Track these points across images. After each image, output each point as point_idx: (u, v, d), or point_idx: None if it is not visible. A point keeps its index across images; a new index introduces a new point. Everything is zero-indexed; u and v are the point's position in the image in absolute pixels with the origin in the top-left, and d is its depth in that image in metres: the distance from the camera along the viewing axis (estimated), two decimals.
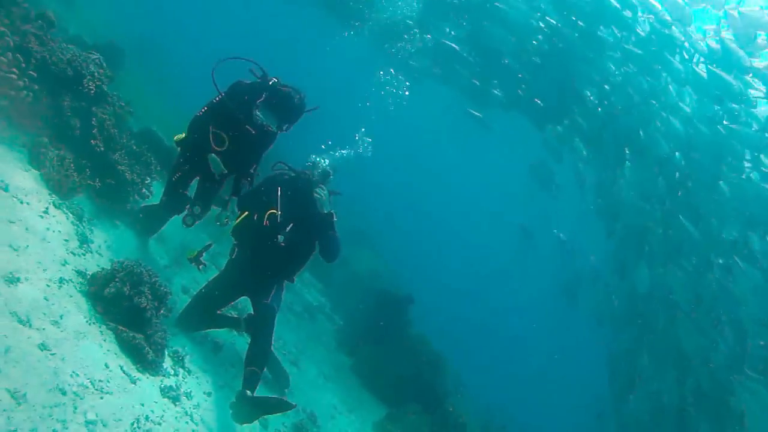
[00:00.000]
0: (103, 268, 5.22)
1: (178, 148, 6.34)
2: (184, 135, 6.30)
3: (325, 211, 6.13)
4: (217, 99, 6.10)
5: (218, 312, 6.38)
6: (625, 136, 14.03)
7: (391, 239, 23.31)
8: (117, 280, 5.01)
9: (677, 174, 13.14)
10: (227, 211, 6.37)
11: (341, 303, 13.19)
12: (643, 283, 13.56)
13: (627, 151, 14.31)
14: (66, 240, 5.38)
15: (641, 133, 13.51)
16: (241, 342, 6.82)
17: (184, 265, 6.75)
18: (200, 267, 6.29)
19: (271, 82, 6.12)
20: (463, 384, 12.84)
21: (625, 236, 14.66)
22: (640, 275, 13.62)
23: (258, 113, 6.09)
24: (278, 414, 5.75)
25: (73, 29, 10.48)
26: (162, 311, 5.26)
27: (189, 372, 5.55)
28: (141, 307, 4.99)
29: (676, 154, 13.15)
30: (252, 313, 6.65)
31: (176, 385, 5.14)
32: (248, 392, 5.39)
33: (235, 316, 6.75)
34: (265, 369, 5.92)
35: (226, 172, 6.23)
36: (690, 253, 12.95)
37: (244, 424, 5.43)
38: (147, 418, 4.48)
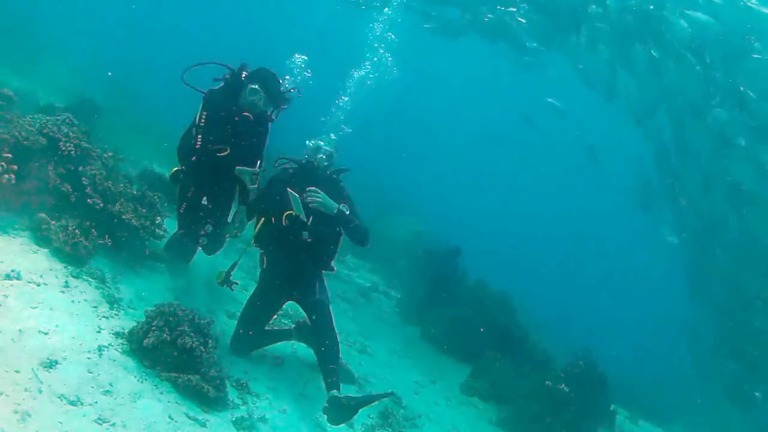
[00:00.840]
0: (138, 322, 5.03)
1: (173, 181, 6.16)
2: (176, 168, 6.14)
3: (334, 212, 5.82)
4: (202, 115, 5.89)
5: (267, 327, 6.22)
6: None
7: (428, 198, 23.01)
8: (154, 328, 4.82)
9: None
10: (236, 221, 6.20)
11: (393, 276, 12.98)
12: None
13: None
14: (94, 306, 5.22)
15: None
16: (301, 348, 6.63)
17: (219, 290, 6.55)
18: (233, 287, 6.09)
19: (243, 75, 5.94)
20: (537, 319, 12.49)
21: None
22: None
23: (249, 97, 5.93)
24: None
25: (43, 99, 10.30)
26: (210, 344, 5.05)
27: (257, 396, 5.38)
28: (187, 348, 4.80)
29: None
30: (302, 320, 6.55)
31: (248, 413, 4.98)
32: (337, 393, 5.23)
33: (287, 327, 6.59)
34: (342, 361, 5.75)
35: (257, 171, 5.99)
36: None
37: (342, 425, 5.28)
38: None
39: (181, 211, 6.29)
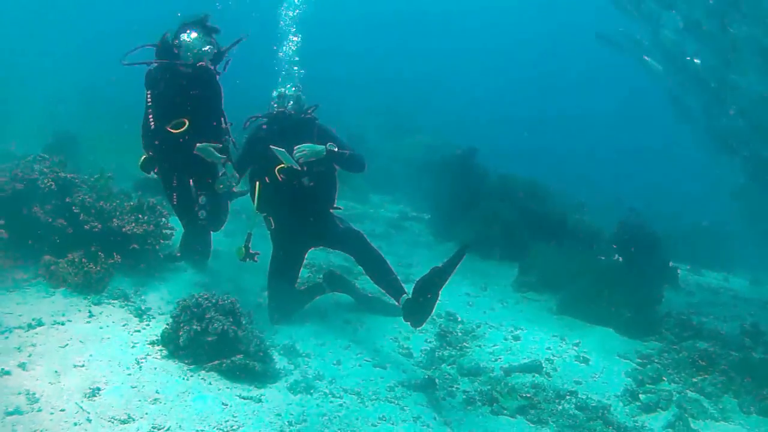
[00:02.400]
0: (167, 323, 4.99)
1: (152, 174, 5.99)
2: (143, 156, 5.94)
3: (324, 154, 5.67)
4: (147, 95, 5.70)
5: (298, 287, 6.16)
6: None
7: (439, 114, 22.56)
8: (183, 324, 4.77)
9: None
10: (225, 175, 6.02)
11: (419, 199, 12.78)
12: None
13: None
14: (124, 324, 5.20)
15: None
16: (342, 298, 6.57)
17: (243, 266, 6.46)
18: (256, 258, 6.00)
19: (170, 36, 5.72)
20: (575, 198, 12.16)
21: None
22: None
23: (193, 49, 5.65)
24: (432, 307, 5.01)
25: (20, 149, 10.19)
26: (243, 321, 4.98)
27: (308, 356, 5.32)
28: (220, 332, 4.72)
29: None
30: (327, 270, 6.63)
31: (302, 375, 4.92)
32: (407, 295, 5.15)
33: (318, 281, 6.54)
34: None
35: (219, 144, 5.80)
36: None
37: (422, 326, 5.09)
38: (291, 422, 4.26)
39: (175, 202, 6.18)
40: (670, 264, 9.32)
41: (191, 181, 6.06)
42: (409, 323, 5.01)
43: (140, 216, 6.54)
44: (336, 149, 5.75)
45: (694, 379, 5.72)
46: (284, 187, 5.83)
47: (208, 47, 5.71)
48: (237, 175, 6.08)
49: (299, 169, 5.72)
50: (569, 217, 9.88)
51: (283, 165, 5.71)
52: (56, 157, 6.62)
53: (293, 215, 5.98)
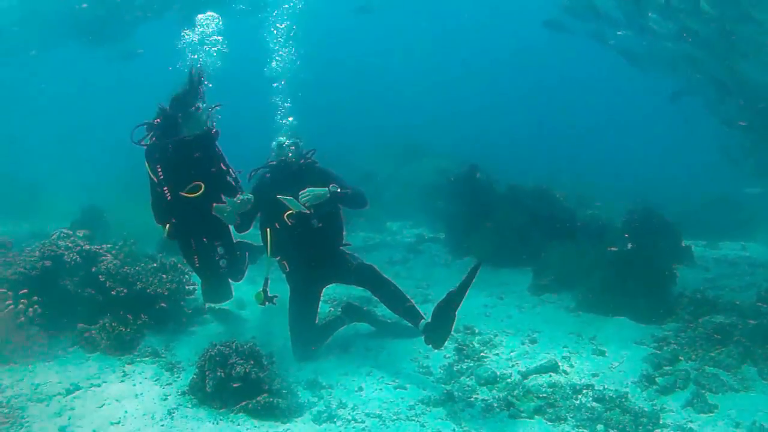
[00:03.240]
0: (194, 374, 5.30)
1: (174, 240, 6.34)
2: (167, 227, 6.22)
3: (327, 196, 5.99)
4: (156, 169, 5.96)
5: (318, 322, 6.43)
6: None
7: (450, 137, 22.85)
8: (207, 372, 5.08)
9: None
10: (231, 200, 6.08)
11: (436, 220, 13.01)
12: None
13: None
14: (156, 380, 5.53)
15: None
16: (362, 327, 6.83)
17: (266, 310, 6.77)
18: (274, 301, 6.30)
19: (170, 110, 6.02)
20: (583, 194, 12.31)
21: None
22: None
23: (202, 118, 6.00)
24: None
25: (52, 228, 10.74)
26: (264, 361, 5.27)
27: (330, 387, 5.57)
28: (243, 375, 5.02)
29: None
30: (345, 302, 6.94)
31: (325, 406, 5.16)
32: (424, 320, 5.44)
33: (336, 314, 6.80)
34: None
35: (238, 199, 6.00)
36: None
37: (444, 346, 5.36)
38: None
39: (197, 264, 6.44)
40: (683, 244, 9.35)
41: (207, 238, 6.36)
42: (430, 345, 5.32)
43: (163, 276, 6.93)
44: (339, 190, 6.05)
45: (711, 354, 5.81)
46: (294, 231, 6.16)
47: (206, 116, 6.04)
48: (244, 196, 6.08)
49: (307, 212, 6.03)
50: (579, 214, 10.01)
51: (291, 211, 6.03)
52: (80, 231, 7.04)
53: (306, 257, 6.28)
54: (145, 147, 5.96)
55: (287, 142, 6.33)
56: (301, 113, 7.01)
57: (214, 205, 6.03)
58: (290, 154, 6.29)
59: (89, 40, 17.18)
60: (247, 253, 7.20)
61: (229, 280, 6.84)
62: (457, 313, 5.13)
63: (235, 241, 6.76)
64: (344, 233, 6.48)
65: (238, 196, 6.02)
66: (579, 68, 33.06)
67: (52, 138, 22.94)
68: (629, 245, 8.57)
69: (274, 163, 6.39)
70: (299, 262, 6.32)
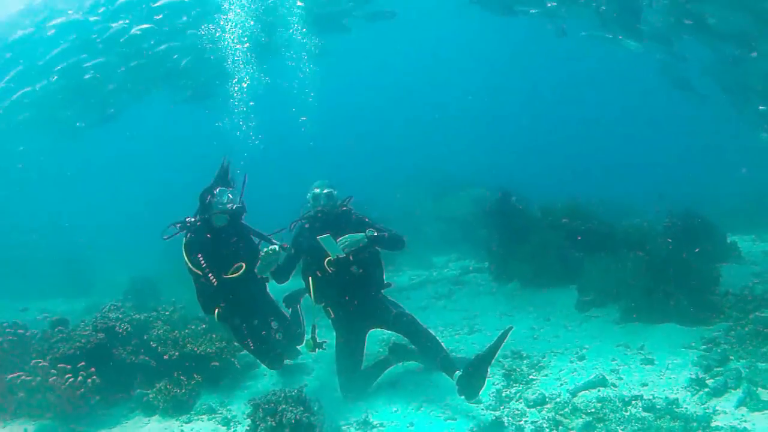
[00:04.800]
0: (247, 425, 5.45)
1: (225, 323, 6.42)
2: (216, 311, 6.30)
3: (365, 241, 6.10)
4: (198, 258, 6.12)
5: (365, 364, 6.53)
6: None
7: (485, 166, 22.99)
8: (259, 422, 5.21)
9: None
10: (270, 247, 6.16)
11: (479, 250, 13.00)
12: None
13: None
14: None
15: None
16: (411, 365, 6.89)
17: (317, 357, 6.91)
18: (323, 347, 6.42)
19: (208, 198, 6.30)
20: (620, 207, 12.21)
21: None
22: None
23: (224, 202, 6.24)
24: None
25: (106, 299, 11.24)
26: (314, 406, 5.38)
27: (381, 424, 5.66)
28: (294, 422, 5.13)
29: None
30: (392, 342, 7.03)
31: None
32: (458, 372, 5.46)
33: (383, 356, 6.88)
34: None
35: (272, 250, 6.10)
36: None
37: (479, 395, 5.46)
38: None
39: (252, 347, 6.42)
40: (728, 240, 9.15)
41: (258, 319, 6.50)
42: (463, 397, 5.40)
43: (213, 336, 7.20)
44: (375, 234, 6.17)
45: (763, 350, 5.66)
46: (335, 277, 6.29)
47: (230, 196, 6.30)
48: (269, 249, 6.16)
49: (345, 257, 6.16)
50: (618, 225, 9.90)
51: (330, 257, 6.17)
52: (129, 303, 7.38)
53: (348, 302, 6.40)
54: (185, 241, 6.17)
55: (325, 191, 6.51)
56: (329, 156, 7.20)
57: (257, 268, 6.11)
58: (326, 201, 6.44)
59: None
60: (299, 309, 7.34)
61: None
62: (489, 369, 5.33)
63: (283, 303, 6.98)
64: (384, 276, 6.58)
65: (263, 250, 6.09)
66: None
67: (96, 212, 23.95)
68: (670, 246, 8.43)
69: (311, 214, 6.56)
70: (342, 308, 6.45)
